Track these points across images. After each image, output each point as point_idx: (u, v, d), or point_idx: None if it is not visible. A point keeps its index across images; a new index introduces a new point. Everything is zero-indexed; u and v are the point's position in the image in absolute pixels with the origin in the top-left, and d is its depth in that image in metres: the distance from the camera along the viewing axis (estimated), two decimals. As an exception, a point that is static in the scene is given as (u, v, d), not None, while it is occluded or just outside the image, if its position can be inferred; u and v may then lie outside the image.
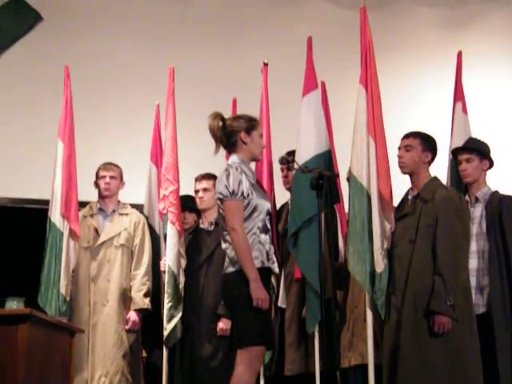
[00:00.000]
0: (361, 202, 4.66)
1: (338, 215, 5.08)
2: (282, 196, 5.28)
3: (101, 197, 5.46)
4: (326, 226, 4.58)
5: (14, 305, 3.82)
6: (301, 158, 4.80)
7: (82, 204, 5.47)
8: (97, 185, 5.46)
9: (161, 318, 5.15)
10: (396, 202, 4.74)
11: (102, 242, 5.30)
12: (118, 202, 5.49)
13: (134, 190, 5.71)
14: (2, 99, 6.59)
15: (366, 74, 4.78)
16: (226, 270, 4.04)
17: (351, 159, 4.76)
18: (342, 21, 7.01)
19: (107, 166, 5.47)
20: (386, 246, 4.59)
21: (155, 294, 5.37)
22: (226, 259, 4.05)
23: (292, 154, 4.87)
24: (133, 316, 5.21)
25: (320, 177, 4.01)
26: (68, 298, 5.10)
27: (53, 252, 5.14)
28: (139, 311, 5.23)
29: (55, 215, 5.19)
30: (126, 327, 5.20)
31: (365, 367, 4.59)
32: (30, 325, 3.68)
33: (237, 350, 3.95)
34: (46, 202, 5.29)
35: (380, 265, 4.54)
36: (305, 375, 4.92)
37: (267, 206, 4.12)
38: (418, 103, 7.30)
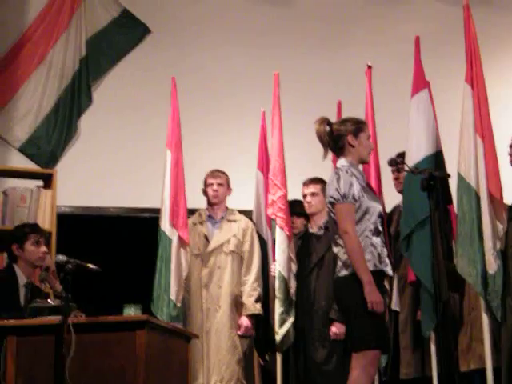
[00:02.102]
0: (469, 202, 4.59)
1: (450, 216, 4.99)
2: (394, 198, 5.22)
3: (209, 204, 5.52)
4: (439, 227, 4.51)
5: (131, 311, 3.89)
6: (411, 160, 4.74)
7: (192, 211, 5.55)
8: (205, 192, 5.53)
9: (271, 323, 5.19)
10: (509, 201, 4.64)
11: (212, 249, 5.36)
12: (226, 208, 5.54)
13: (241, 196, 5.75)
14: (112, 112, 6.76)
15: (471, 71, 4.71)
16: (339, 273, 4.02)
17: (458, 159, 4.69)
18: (448, 18, 6.88)
19: (214, 173, 5.53)
20: (498, 247, 4.49)
21: (265, 299, 5.39)
22: (339, 263, 4.03)
23: (402, 155, 4.82)
24: (245, 321, 5.24)
25: (431, 178, 3.95)
26: (179, 304, 5.17)
27: (163, 259, 5.24)
28: (251, 316, 5.27)
29: (165, 223, 5.29)
30: (239, 332, 5.24)
31: (484, 371, 4.49)
32: (147, 331, 3.76)
33: (352, 354, 3.93)
34: (158, 211, 5.40)
35: (492, 266, 4.46)
36: (421, 379, 4.86)
37: (379, 208, 4.10)
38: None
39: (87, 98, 6.75)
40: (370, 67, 5.40)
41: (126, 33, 6.94)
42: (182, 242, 5.28)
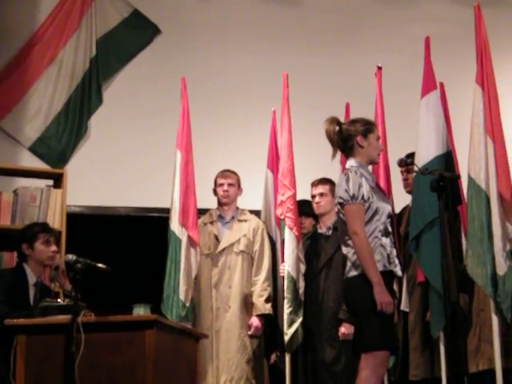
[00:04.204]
0: (479, 203, 4.57)
1: (460, 217, 4.98)
2: (403, 199, 5.22)
3: (220, 204, 5.53)
4: (449, 228, 4.50)
5: (140, 311, 3.90)
6: (421, 160, 4.73)
7: (203, 211, 5.56)
8: (215, 192, 5.54)
9: (281, 324, 5.19)
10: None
11: (223, 249, 5.37)
12: (237, 208, 5.55)
13: (251, 196, 5.75)
14: (122, 112, 6.77)
15: (481, 72, 4.69)
16: (348, 274, 4.02)
17: (468, 160, 4.68)
18: (459, 18, 6.89)
19: (225, 173, 5.53)
20: (508, 248, 4.48)
21: (275, 299, 5.39)
22: (348, 263, 4.03)
23: (411, 156, 4.82)
24: (255, 321, 5.24)
25: (441, 178, 3.94)
26: (188, 304, 5.18)
27: (173, 259, 5.25)
28: (261, 316, 5.27)
29: (174, 223, 5.30)
30: (249, 332, 5.24)
31: (493, 372, 4.47)
32: (156, 330, 3.76)
33: (360, 354, 3.93)
34: (168, 211, 5.41)
35: (502, 267, 4.45)
36: (430, 380, 4.85)
37: (388, 208, 4.10)
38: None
39: (97, 98, 6.77)
40: (380, 68, 5.40)
41: (136, 33, 6.95)
42: (192, 242, 5.29)
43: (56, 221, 5.25)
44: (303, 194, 5.47)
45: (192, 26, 7.06)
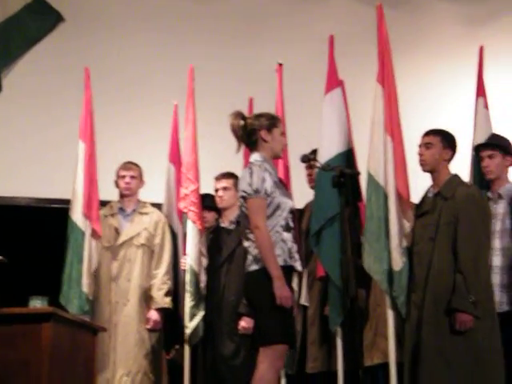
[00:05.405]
0: (377, 200, 4.67)
1: (360, 213, 5.07)
2: (307, 195, 5.26)
3: (121, 196, 5.47)
4: (349, 224, 4.57)
5: (37, 304, 3.84)
6: (323, 157, 4.80)
7: (104, 203, 5.48)
8: (117, 184, 5.47)
9: (181, 317, 5.17)
10: (416, 200, 4.74)
11: (123, 242, 5.31)
12: (138, 201, 5.49)
13: (153, 189, 5.71)
14: (22, 101, 6.63)
15: (382, 71, 4.79)
16: (249, 268, 4.02)
17: (368, 157, 4.77)
18: (362, 17, 6.98)
19: (127, 165, 5.47)
20: (404, 245, 4.59)
21: (175, 293, 5.37)
22: (249, 257, 4.04)
23: (314, 152, 4.88)
24: (154, 315, 5.20)
25: (342, 175, 3.99)
26: (91, 297, 5.11)
27: (74, 251, 5.15)
28: (160, 310, 5.23)
29: (76, 215, 5.20)
30: (147, 326, 5.20)
31: (387, 366, 4.58)
32: (53, 323, 3.71)
33: (259, 348, 3.96)
34: (68, 202, 5.31)
35: (398, 263, 4.54)
36: (327, 373, 4.93)
37: (290, 204, 4.12)
38: (438, 100, 7.26)
39: (-4, 85, 6.61)
40: (280, 65, 5.43)
41: (38, 19, 6.80)
42: (95, 235, 5.21)
43: (-50, 210, 5.09)
44: (206, 187, 5.46)
45: (96, 14, 6.98)
